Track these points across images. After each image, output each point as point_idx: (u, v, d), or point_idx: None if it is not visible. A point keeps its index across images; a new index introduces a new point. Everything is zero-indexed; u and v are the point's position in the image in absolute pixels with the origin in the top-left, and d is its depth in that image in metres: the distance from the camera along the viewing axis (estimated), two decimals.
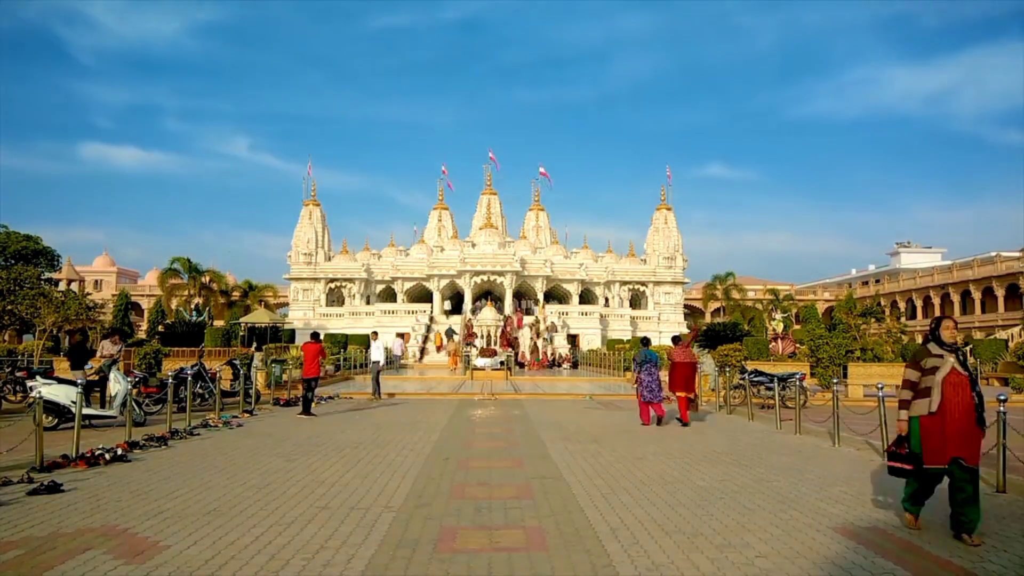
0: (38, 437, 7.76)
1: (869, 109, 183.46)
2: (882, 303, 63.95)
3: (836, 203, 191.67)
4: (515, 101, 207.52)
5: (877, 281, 78.47)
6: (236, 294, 61.92)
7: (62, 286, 44.46)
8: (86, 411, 10.78)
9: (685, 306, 59.06)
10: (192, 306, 52.56)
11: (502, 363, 28.89)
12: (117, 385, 12.24)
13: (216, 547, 4.89)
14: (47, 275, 39.46)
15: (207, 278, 57.60)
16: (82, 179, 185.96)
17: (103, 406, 13.35)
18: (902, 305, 68.35)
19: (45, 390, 10.33)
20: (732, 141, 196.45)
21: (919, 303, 67.75)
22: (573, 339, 44.24)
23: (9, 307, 26.86)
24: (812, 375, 20.33)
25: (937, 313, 64.84)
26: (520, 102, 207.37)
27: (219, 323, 51.56)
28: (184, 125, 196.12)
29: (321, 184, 78.97)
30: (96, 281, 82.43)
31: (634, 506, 6.19)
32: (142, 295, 77.27)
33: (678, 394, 12.82)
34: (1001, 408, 7.01)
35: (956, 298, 63.11)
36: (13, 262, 37.10)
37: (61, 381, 11.81)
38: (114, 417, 12.01)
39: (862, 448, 9.73)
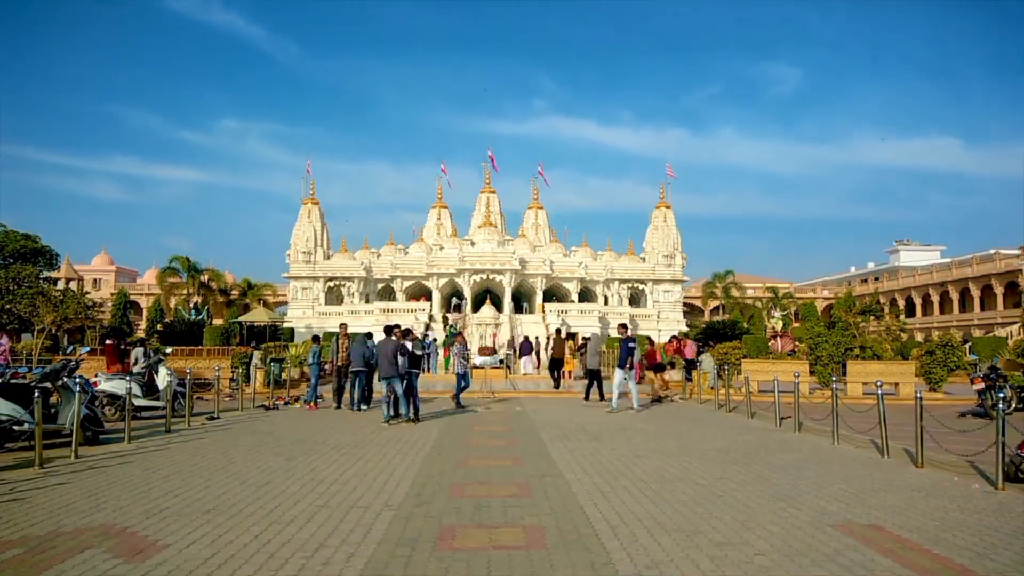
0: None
1: None
2: (881, 301, 63.90)
3: None
4: None
5: (876, 279, 78.51)
6: (235, 293, 61.78)
7: (61, 285, 44.32)
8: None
9: (684, 304, 58.99)
10: (191, 305, 52.48)
11: (501, 361, 28.87)
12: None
13: (215, 546, 4.89)
14: (46, 274, 39.41)
15: (206, 277, 57.46)
16: None
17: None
18: (901, 303, 68.35)
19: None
20: None
21: (918, 301, 67.77)
22: (572, 337, 44.23)
23: (8, 306, 26.83)
24: (811, 373, 20.32)
25: (936, 311, 65.06)
26: None
27: (218, 322, 51.51)
28: None
29: None
30: (95, 280, 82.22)
31: (633, 504, 6.19)
32: (141, 294, 77.13)
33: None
34: (1000, 405, 7.02)
35: (955, 296, 63.09)
36: (12, 261, 37.07)
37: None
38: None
39: (861, 446, 9.73)
